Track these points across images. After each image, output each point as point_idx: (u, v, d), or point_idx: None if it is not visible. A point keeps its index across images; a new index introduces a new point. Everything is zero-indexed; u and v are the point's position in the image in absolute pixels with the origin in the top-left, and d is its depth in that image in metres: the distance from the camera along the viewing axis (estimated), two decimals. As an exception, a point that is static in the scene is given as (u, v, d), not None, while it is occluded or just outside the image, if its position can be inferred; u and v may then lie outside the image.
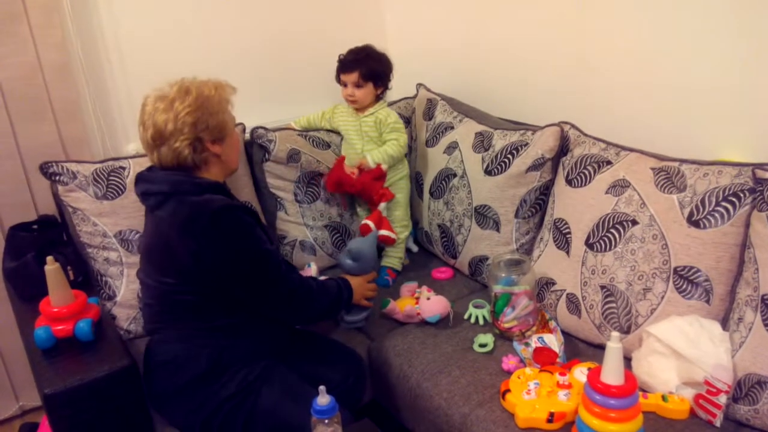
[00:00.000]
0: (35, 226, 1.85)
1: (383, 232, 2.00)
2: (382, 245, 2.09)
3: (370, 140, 2.10)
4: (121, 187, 1.76)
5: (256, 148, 2.08)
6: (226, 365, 1.46)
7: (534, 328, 1.67)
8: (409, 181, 2.20)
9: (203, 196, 1.43)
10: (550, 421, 1.36)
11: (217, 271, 1.40)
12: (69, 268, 1.72)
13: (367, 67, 2.03)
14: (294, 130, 2.17)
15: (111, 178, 1.76)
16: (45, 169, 1.72)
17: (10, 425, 2.16)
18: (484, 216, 1.94)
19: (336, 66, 2.09)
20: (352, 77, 2.04)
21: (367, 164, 2.03)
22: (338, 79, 2.10)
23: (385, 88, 2.11)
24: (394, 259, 2.14)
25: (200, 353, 1.45)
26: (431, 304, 1.78)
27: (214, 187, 1.48)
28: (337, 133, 2.20)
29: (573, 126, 1.83)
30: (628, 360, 1.47)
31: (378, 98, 2.11)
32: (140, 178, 1.52)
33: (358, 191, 2.06)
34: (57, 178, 1.73)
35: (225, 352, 1.46)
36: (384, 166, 2.04)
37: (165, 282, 1.44)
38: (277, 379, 1.49)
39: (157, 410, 1.53)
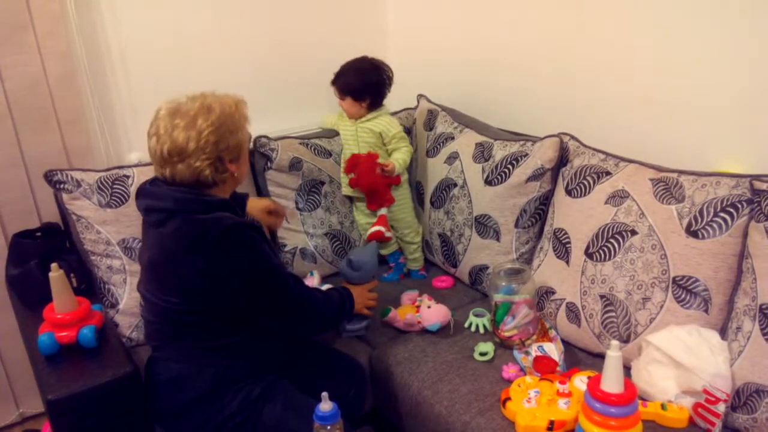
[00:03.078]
0: (38, 234, 1.86)
1: (380, 227, 2.07)
2: (379, 243, 2.13)
3: (368, 146, 2.12)
4: (125, 196, 1.77)
5: (258, 157, 2.09)
6: (229, 384, 1.45)
7: (534, 337, 1.68)
8: (409, 185, 2.24)
9: (212, 214, 1.39)
10: (550, 429, 1.37)
11: (225, 288, 1.38)
12: (72, 275, 1.73)
13: (343, 83, 2.07)
14: (295, 139, 2.18)
15: (115, 186, 1.77)
16: (50, 177, 1.74)
17: (10, 432, 2.17)
18: (484, 225, 1.96)
19: None
20: (334, 89, 2.11)
21: (393, 170, 2.07)
22: None
23: (372, 101, 2.10)
24: (417, 263, 2.22)
25: (203, 372, 1.44)
26: (432, 313, 1.79)
27: (223, 205, 1.44)
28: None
29: (572, 137, 1.85)
30: (627, 369, 1.48)
31: (370, 108, 2.12)
32: (143, 193, 1.47)
33: (375, 188, 2.07)
34: (61, 186, 1.74)
35: (228, 371, 1.45)
36: (402, 176, 2.15)
37: (168, 301, 1.42)
38: (279, 396, 1.49)
39: (160, 426, 1.53)
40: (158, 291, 1.44)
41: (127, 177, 1.80)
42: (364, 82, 2.07)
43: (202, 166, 1.40)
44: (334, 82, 2.10)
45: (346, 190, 2.18)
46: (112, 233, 1.76)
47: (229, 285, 1.38)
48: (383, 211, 2.11)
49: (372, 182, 2.05)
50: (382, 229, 2.06)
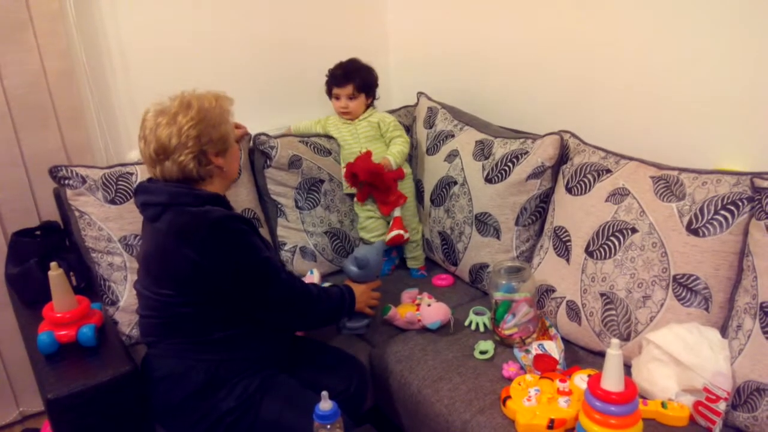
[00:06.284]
0: (38, 232, 1.86)
1: (399, 231, 2.08)
2: (396, 246, 2.15)
3: (368, 140, 2.13)
4: (129, 192, 1.78)
5: (257, 155, 2.09)
6: (223, 379, 1.45)
7: (534, 335, 1.68)
8: (413, 181, 2.24)
9: (203, 207, 1.42)
10: (550, 427, 1.37)
11: (217, 280, 1.39)
12: (72, 273, 1.74)
13: (360, 79, 2.11)
14: (293, 135, 2.19)
15: (119, 182, 1.78)
16: (54, 173, 1.74)
17: (11, 431, 2.16)
18: (484, 223, 1.96)
19: (326, 81, 2.16)
20: (347, 90, 2.11)
21: (389, 165, 2.06)
22: (329, 93, 2.17)
23: (374, 98, 2.19)
24: (417, 261, 2.22)
25: (197, 367, 1.45)
26: (432, 311, 1.79)
27: (214, 198, 1.48)
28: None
29: (573, 135, 1.85)
30: (627, 367, 1.48)
31: (367, 107, 2.18)
32: (140, 189, 1.51)
33: (385, 186, 2.07)
34: (66, 182, 1.74)
35: (222, 365, 1.46)
36: (405, 170, 2.14)
37: (163, 293, 1.44)
38: (278, 390, 1.49)
39: (159, 424, 1.53)
40: (152, 285, 1.46)
41: (131, 174, 1.81)
42: (374, 78, 2.16)
43: (186, 161, 1.44)
44: (347, 82, 2.10)
45: (347, 189, 2.19)
46: (114, 230, 1.76)
47: (220, 276, 1.39)
48: (397, 212, 2.10)
49: (370, 170, 2.01)
50: (402, 232, 2.07)
